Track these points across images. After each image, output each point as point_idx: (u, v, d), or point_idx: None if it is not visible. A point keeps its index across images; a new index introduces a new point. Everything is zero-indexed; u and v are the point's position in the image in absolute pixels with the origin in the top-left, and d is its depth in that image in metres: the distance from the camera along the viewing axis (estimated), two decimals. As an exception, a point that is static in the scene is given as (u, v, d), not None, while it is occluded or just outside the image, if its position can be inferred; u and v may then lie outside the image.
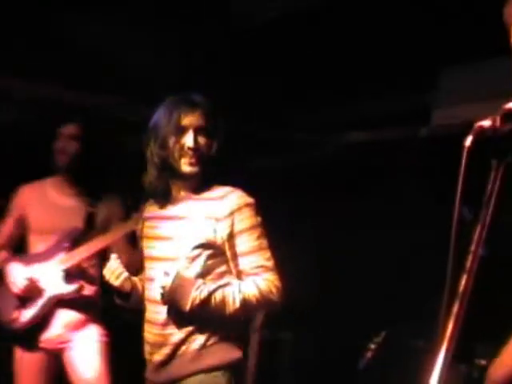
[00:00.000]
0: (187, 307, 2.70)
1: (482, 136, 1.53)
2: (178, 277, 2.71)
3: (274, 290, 2.78)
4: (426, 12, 4.40)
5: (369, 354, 4.27)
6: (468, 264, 1.45)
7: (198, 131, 2.85)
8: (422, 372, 4.16)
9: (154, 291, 2.80)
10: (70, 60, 4.61)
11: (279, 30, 4.56)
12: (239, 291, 2.75)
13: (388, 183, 5.02)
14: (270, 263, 2.82)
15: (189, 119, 2.85)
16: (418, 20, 4.49)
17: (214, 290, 2.73)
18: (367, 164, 5.15)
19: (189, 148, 2.82)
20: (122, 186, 4.69)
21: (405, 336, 4.27)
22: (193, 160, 2.83)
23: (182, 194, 2.92)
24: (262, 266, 2.79)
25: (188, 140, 2.83)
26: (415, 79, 4.75)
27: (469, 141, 1.52)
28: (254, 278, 2.78)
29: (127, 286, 2.94)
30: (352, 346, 4.52)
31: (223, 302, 2.72)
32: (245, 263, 2.80)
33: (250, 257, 2.80)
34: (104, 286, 3.29)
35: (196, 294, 2.70)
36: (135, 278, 3.01)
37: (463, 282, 1.44)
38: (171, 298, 2.72)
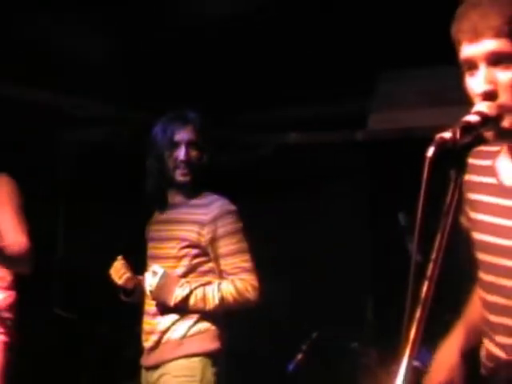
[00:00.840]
0: (171, 303, 3.15)
1: (442, 147, 1.58)
2: (164, 275, 3.14)
3: (250, 288, 3.19)
4: (366, 16, 4.48)
5: (299, 356, 4.30)
6: (429, 272, 1.50)
7: (189, 145, 3.29)
8: (354, 374, 4.25)
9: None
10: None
11: (223, 29, 4.58)
12: (218, 290, 3.15)
13: (323, 185, 5.08)
14: (248, 265, 3.25)
15: (181, 135, 3.31)
16: (358, 24, 4.57)
17: (196, 288, 3.15)
18: (303, 165, 5.20)
19: (181, 161, 3.27)
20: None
21: (336, 338, 4.32)
22: (185, 171, 3.28)
23: (177, 200, 3.36)
24: (240, 267, 3.21)
25: (180, 153, 3.28)
26: (353, 83, 4.83)
27: (430, 152, 1.56)
28: (232, 278, 3.19)
29: (130, 285, 3.34)
30: (282, 347, 4.56)
31: (203, 299, 3.12)
32: (225, 264, 3.22)
33: (230, 258, 3.23)
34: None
35: (179, 291, 3.12)
36: (141, 277, 3.37)
37: (425, 288, 1.49)
38: (157, 295, 3.17)
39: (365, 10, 4.48)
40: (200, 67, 4.83)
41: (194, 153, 3.33)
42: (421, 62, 4.52)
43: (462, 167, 1.62)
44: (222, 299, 3.14)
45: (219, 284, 3.19)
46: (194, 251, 3.25)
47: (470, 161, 1.99)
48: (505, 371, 1.95)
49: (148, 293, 3.23)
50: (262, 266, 5.11)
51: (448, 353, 2.22)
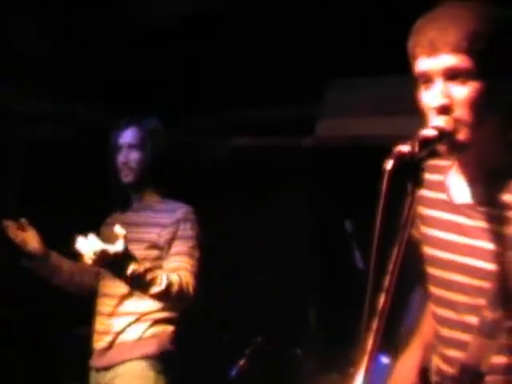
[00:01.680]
0: (128, 272, 2.97)
1: (400, 160, 1.60)
2: (127, 249, 2.98)
3: (190, 288, 3.20)
4: (318, 24, 4.51)
5: (241, 361, 4.30)
6: (386, 283, 1.52)
7: (130, 148, 3.42)
8: (296, 379, 4.26)
9: (107, 287, 3.31)
10: None
11: (179, 28, 4.58)
12: (166, 277, 3.11)
13: (271, 189, 5.09)
14: (193, 269, 3.27)
15: (122, 138, 3.45)
16: (307, 31, 4.60)
17: (150, 269, 3.07)
18: (252, 169, 5.21)
19: (121, 163, 3.42)
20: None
21: (280, 343, 4.34)
22: (125, 173, 3.41)
23: (137, 202, 3.48)
24: (185, 268, 3.24)
25: (120, 156, 3.42)
26: (302, 89, 4.86)
27: (389, 165, 1.58)
28: (178, 272, 3.19)
29: (33, 248, 3.33)
30: (225, 352, 4.56)
31: (153, 280, 3.05)
32: (172, 261, 3.26)
33: (178, 257, 3.27)
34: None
35: (136, 266, 3.00)
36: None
37: (381, 300, 1.51)
38: (116, 263, 2.98)
39: (317, 19, 4.52)
40: (155, 67, 4.80)
41: (134, 155, 3.43)
42: (369, 71, 4.57)
43: (419, 181, 1.64)
44: (168, 286, 3.11)
45: (168, 274, 3.19)
46: (155, 253, 3.31)
47: (423, 175, 2.03)
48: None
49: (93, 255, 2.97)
50: (207, 266, 5.13)
51: (406, 369, 2.23)
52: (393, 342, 3.90)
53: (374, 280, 1.50)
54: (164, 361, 3.32)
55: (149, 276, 3.06)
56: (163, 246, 3.32)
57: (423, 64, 1.80)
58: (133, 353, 3.27)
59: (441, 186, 2.00)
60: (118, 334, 3.30)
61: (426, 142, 1.69)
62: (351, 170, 4.30)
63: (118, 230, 2.99)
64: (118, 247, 2.93)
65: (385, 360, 4.07)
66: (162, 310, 3.37)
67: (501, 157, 1.88)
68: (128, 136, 3.46)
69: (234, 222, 5.21)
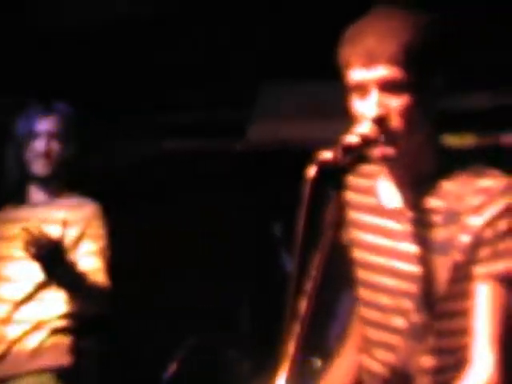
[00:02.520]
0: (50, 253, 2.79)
1: (324, 167, 1.63)
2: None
3: (99, 286, 3.03)
4: (250, 27, 4.54)
5: (174, 365, 4.28)
6: (308, 288, 1.54)
7: (50, 136, 3.11)
8: (232, 380, 4.27)
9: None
10: None
11: (97, 30, 4.55)
12: (82, 269, 2.95)
13: (199, 193, 5.09)
14: (106, 269, 3.12)
15: (42, 125, 3.12)
16: (239, 34, 4.62)
17: (68, 258, 2.88)
18: (181, 173, 5.20)
19: (40, 152, 3.08)
20: None
21: (212, 347, 4.34)
22: (44, 163, 3.10)
23: (39, 197, 3.19)
24: (98, 269, 3.07)
25: (39, 145, 3.09)
26: (234, 93, 4.87)
27: (312, 171, 1.60)
28: (89, 273, 3.02)
29: None
30: (157, 355, 4.54)
31: (71, 267, 2.89)
32: (85, 261, 3.04)
33: (89, 258, 3.06)
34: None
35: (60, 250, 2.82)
36: None
37: (303, 305, 1.52)
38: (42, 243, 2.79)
39: (249, 21, 4.53)
40: (74, 68, 4.76)
41: (55, 145, 3.14)
42: (301, 75, 4.60)
43: (342, 187, 1.67)
44: (81, 276, 2.95)
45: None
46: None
47: (353, 180, 2.06)
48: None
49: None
50: (135, 270, 5.11)
51: (341, 372, 2.24)
52: (323, 345, 3.95)
53: (296, 285, 1.52)
54: (60, 374, 3.03)
55: (69, 262, 2.89)
56: (69, 245, 3.02)
57: (358, 74, 1.80)
58: (29, 365, 3.00)
59: (371, 191, 2.03)
60: (14, 342, 3.01)
61: (350, 149, 1.71)
62: (281, 173, 4.32)
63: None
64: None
65: (316, 363, 4.12)
66: (63, 317, 3.11)
67: (429, 164, 1.92)
68: (48, 124, 3.13)
69: (165, 223, 5.19)
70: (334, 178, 1.66)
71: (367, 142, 1.77)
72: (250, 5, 4.46)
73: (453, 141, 4.29)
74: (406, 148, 1.84)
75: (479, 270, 1.84)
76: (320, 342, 3.92)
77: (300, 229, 1.53)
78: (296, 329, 1.49)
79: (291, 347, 1.47)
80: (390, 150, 1.83)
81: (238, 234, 4.94)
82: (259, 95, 4.84)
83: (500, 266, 1.81)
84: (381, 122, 1.79)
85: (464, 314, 1.89)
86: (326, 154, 1.65)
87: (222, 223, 4.98)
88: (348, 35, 1.83)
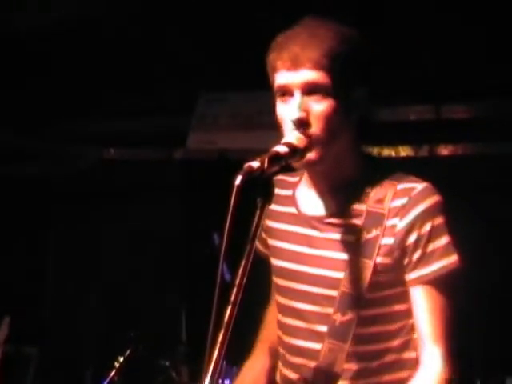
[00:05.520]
0: None
1: (250, 176, 1.64)
2: None
3: None
4: (189, 36, 4.55)
5: (111, 373, 4.26)
6: (232, 296, 1.55)
7: None
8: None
9: None
10: None
11: (41, 34, 4.51)
12: None
13: (139, 202, 5.08)
14: None
15: None
16: (179, 43, 4.62)
17: None
18: (120, 182, 5.17)
19: None
20: None
21: (149, 355, 4.32)
22: None
23: None
24: None
25: None
26: (174, 101, 4.87)
27: (238, 180, 1.61)
28: None
29: None
30: (99, 363, 4.51)
31: None
32: None
33: None
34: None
35: None
36: None
37: (227, 312, 1.53)
38: None
39: (190, 30, 4.54)
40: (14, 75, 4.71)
41: None
42: (241, 86, 4.63)
43: (269, 195, 1.69)
44: None
45: None
46: None
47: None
48: None
49: None
50: (81, 277, 5.08)
51: (254, 374, 2.26)
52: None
53: (221, 293, 1.52)
54: None
55: None
56: None
57: (283, 77, 1.86)
58: None
59: (289, 200, 2.07)
60: None
61: (277, 158, 1.74)
62: (219, 182, 4.33)
63: None
64: None
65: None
66: None
67: (350, 170, 1.96)
68: None
69: (104, 233, 5.16)
70: (261, 186, 1.68)
71: (294, 151, 1.80)
72: (194, 14, 4.48)
73: (388, 152, 4.36)
74: (326, 154, 1.87)
75: (412, 275, 1.88)
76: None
77: (224, 237, 1.55)
78: (219, 336, 1.50)
79: (214, 355, 1.48)
80: (310, 155, 1.86)
81: (176, 243, 4.93)
82: (197, 105, 4.86)
83: (433, 269, 1.85)
84: (302, 124, 1.84)
85: (386, 319, 1.93)
86: (253, 163, 1.67)
87: (161, 232, 4.96)
88: (276, 42, 1.91)
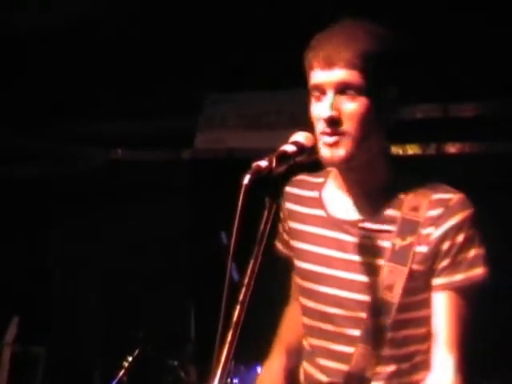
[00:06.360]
0: None
1: (258, 175, 1.64)
2: None
3: None
4: (197, 37, 4.55)
5: (121, 372, 4.27)
6: (241, 296, 1.55)
7: None
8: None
9: None
10: None
11: (43, 36, 4.52)
12: None
13: (148, 203, 5.08)
14: None
15: None
16: (187, 42, 4.63)
17: None
18: (129, 182, 5.18)
19: None
20: None
21: (158, 355, 4.33)
22: None
23: None
24: None
25: None
26: (181, 102, 4.88)
27: (246, 179, 1.61)
28: None
29: None
30: (107, 363, 4.52)
31: None
32: None
33: None
34: None
35: None
36: None
37: (236, 312, 1.53)
38: None
39: (197, 31, 4.55)
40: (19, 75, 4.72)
41: None
42: (248, 86, 4.64)
43: (277, 195, 1.69)
44: None
45: None
46: None
47: (295, 191, 2.09)
48: None
49: None
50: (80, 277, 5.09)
51: (272, 374, 2.26)
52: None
53: (230, 292, 1.52)
54: None
55: None
56: None
57: (317, 76, 1.89)
58: None
59: (315, 202, 2.06)
60: None
61: (285, 157, 1.73)
62: (227, 182, 4.33)
63: None
64: None
65: (260, 370, 4.13)
66: None
67: (383, 173, 1.97)
68: None
69: (112, 233, 5.17)
70: (270, 186, 1.68)
71: (302, 150, 1.79)
72: (199, 14, 4.48)
73: (395, 150, 4.36)
74: (355, 153, 1.88)
75: (438, 280, 1.90)
76: (267, 350, 3.93)
77: (233, 236, 1.55)
78: (228, 336, 1.50)
79: (223, 354, 1.48)
80: (339, 152, 1.88)
81: (184, 243, 4.94)
82: (205, 105, 4.87)
83: (458, 278, 1.88)
84: (333, 123, 1.86)
85: (418, 323, 1.94)
86: (261, 163, 1.67)
87: (169, 231, 4.97)
88: (313, 41, 1.93)
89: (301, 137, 1.83)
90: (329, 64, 1.86)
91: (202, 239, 4.74)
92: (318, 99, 1.90)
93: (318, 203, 2.05)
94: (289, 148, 1.77)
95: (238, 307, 1.53)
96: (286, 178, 1.75)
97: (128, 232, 5.11)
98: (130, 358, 4.24)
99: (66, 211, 5.29)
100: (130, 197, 5.11)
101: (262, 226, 1.64)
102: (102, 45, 4.67)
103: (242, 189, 1.59)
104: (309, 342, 2.06)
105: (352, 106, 1.86)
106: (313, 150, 1.85)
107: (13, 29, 4.51)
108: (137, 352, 4.28)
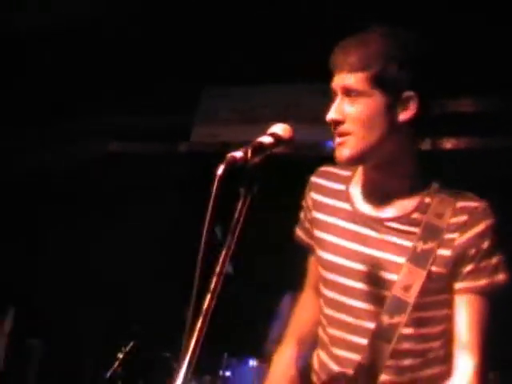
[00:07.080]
0: None
1: (233, 166, 1.65)
2: None
3: None
4: (196, 34, 4.57)
5: (116, 363, 4.30)
6: (212, 284, 1.56)
7: None
8: (168, 382, 4.27)
9: None
10: None
11: (41, 34, 4.54)
12: None
13: (147, 195, 5.10)
14: None
15: None
16: (184, 37, 4.64)
17: None
18: (126, 175, 5.20)
19: None
20: None
21: (152, 346, 4.35)
22: None
23: None
24: None
25: None
26: (178, 96, 4.90)
27: (220, 170, 1.62)
28: None
29: None
30: (102, 354, 4.55)
31: None
32: None
33: None
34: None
35: None
36: None
37: (207, 300, 1.54)
38: None
39: (194, 27, 4.56)
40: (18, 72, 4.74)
41: None
42: (244, 81, 4.65)
43: (252, 186, 1.69)
44: None
45: None
46: None
47: (322, 181, 2.13)
48: (336, 382, 2.03)
49: None
50: (80, 275, 5.10)
51: (283, 364, 2.27)
52: (263, 347, 3.99)
53: (200, 282, 1.53)
54: None
55: None
56: None
57: (333, 80, 1.99)
58: None
59: (342, 195, 2.09)
60: None
61: (261, 149, 1.74)
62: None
63: None
64: None
65: (252, 363, 4.16)
66: None
67: (408, 173, 2.01)
68: None
69: (107, 225, 5.18)
70: (245, 177, 1.69)
71: (279, 141, 1.80)
72: (195, 11, 4.49)
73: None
74: (366, 153, 1.94)
75: (462, 284, 1.95)
76: (259, 343, 3.95)
77: (205, 227, 1.55)
78: (198, 324, 1.51)
79: (193, 340, 1.49)
80: (345, 152, 1.95)
81: (178, 235, 4.96)
82: (201, 99, 4.89)
83: (482, 282, 1.94)
84: (336, 124, 1.95)
85: (432, 321, 1.99)
86: (236, 154, 1.68)
87: (164, 224, 4.99)
88: (335, 48, 2.01)
89: (278, 128, 1.83)
90: (337, 68, 1.96)
91: (196, 233, 4.76)
92: (333, 101, 1.98)
93: (345, 196, 2.08)
94: (265, 139, 1.78)
95: (209, 296, 1.54)
96: (262, 169, 1.75)
97: (123, 225, 5.13)
98: (125, 350, 4.28)
99: (65, 211, 5.31)
100: (128, 196, 5.13)
101: (235, 216, 1.65)
102: (101, 45, 4.69)
103: (216, 179, 1.60)
104: (326, 332, 2.09)
105: (352, 108, 1.93)
106: (290, 141, 1.85)
107: (13, 29, 4.53)
108: (131, 344, 4.31)
